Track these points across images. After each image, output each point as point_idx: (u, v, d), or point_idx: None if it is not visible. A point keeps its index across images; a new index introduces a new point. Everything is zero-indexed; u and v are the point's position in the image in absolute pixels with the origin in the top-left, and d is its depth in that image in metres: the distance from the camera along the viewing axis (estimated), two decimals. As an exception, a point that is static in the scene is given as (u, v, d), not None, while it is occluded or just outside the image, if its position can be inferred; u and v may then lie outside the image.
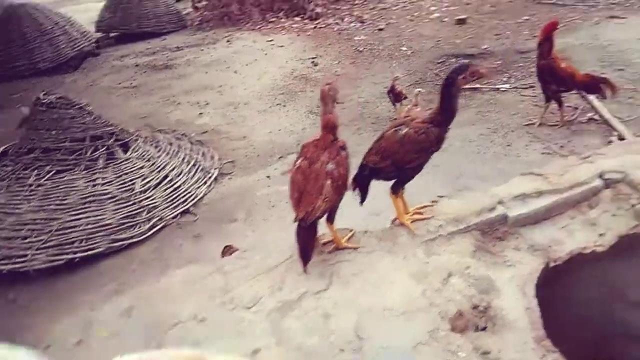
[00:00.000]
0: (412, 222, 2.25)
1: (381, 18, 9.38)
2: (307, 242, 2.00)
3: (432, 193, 4.12)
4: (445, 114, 2.13)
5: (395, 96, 5.40)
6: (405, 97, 5.41)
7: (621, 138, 4.18)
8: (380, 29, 8.75)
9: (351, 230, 2.33)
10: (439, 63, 6.78)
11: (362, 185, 2.27)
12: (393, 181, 2.30)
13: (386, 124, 5.47)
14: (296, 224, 2.04)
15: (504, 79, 5.93)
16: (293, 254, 2.09)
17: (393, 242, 2.12)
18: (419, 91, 5.33)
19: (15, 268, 3.62)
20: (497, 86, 5.74)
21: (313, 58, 7.78)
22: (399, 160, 2.15)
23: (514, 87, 5.63)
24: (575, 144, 4.33)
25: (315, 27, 9.36)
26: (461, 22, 8.17)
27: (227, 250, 2.97)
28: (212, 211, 4.37)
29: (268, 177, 4.73)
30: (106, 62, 8.87)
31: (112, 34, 10.10)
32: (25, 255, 3.66)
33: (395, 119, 5.49)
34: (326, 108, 2.20)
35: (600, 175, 2.24)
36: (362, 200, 2.30)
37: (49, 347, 3.11)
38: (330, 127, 2.17)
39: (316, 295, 1.85)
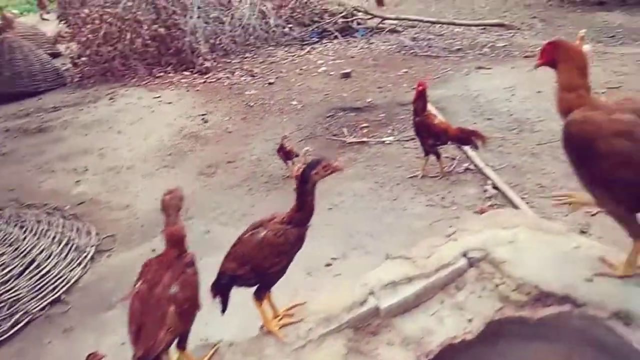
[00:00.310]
0: (281, 327, 2.11)
1: (271, 72, 9.51)
2: None
3: (325, 255, 4.10)
4: (303, 212, 2.05)
5: (286, 155, 5.38)
6: (297, 155, 5.40)
7: (495, 187, 4.47)
8: (271, 83, 8.84)
9: (215, 345, 2.14)
10: (327, 117, 6.93)
11: (222, 294, 2.11)
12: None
13: (279, 183, 5.43)
14: None
15: (389, 132, 6.18)
16: None
17: (259, 357, 1.96)
18: (307, 150, 5.38)
19: None
20: (383, 139, 5.95)
21: (203, 114, 7.61)
22: (258, 265, 2.04)
23: (397, 140, 5.87)
24: (455, 194, 4.55)
25: (205, 82, 9.24)
26: (346, 75, 8.50)
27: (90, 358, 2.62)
28: (88, 297, 3.94)
29: (153, 250, 4.37)
30: (-30, 127, 8.00)
31: (-23, 96, 9.18)
32: None
33: (288, 176, 5.46)
34: (169, 219, 2.04)
35: (465, 254, 2.29)
36: (224, 309, 2.14)
37: None
38: (174, 241, 2.02)
39: None
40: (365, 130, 6.31)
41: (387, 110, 6.85)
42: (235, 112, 7.68)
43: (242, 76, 9.42)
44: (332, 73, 8.87)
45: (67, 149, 6.87)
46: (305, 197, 2.03)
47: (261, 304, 2.11)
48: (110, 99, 8.64)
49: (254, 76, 9.34)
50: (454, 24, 10.97)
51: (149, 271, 1.95)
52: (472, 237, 2.38)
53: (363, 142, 5.96)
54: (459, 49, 9.22)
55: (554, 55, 2.06)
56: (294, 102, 7.73)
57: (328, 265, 3.92)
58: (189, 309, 1.96)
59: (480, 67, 8.00)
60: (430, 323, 2.04)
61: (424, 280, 2.16)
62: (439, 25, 11.13)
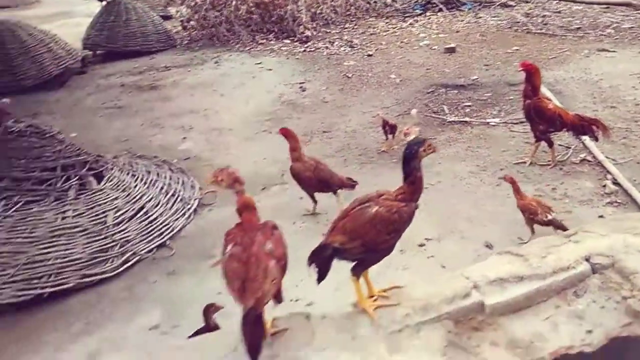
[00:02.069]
0: (375, 308, 2.08)
1: (371, 43, 9.35)
2: (257, 334, 1.84)
3: (419, 235, 4.01)
4: (414, 188, 2.03)
5: (391, 128, 5.30)
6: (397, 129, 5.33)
7: (616, 183, 4.08)
8: (370, 55, 8.70)
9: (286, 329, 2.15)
10: (427, 93, 6.71)
11: (322, 265, 2.11)
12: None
13: (373, 157, 5.37)
14: (241, 316, 1.88)
15: (494, 113, 5.86)
16: (237, 345, 1.90)
17: (352, 335, 1.93)
18: (416, 112, 5.30)
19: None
20: (487, 120, 5.66)
21: (301, 83, 7.69)
22: (369, 241, 2.02)
23: (504, 122, 5.56)
24: (568, 186, 4.22)
25: (304, 51, 9.30)
26: (450, 50, 8.15)
27: (211, 309, 2.81)
28: (190, 246, 4.18)
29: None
30: (91, 81, 8.70)
31: (98, 52, 9.94)
32: (-12, 292, 3.45)
33: (383, 151, 5.39)
34: (234, 191, 2.19)
35: (587, 259, 2.09)
36: (320, 280, 2.14)
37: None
38: (250, 207, 2.13)
39: None
40: (467, 110, 6.04)
41: (493, 89, 6.49)
42: (333, 82, 7.67)
43: (341, 46, 9.36)
44: (434, 47, 8.54)
45: (175, 108, 7.27)
46: (415, 172, 2.02)
47: (358, 280, 2.10)
48: (216, 62, 8.98)
49: (353, 47, 9.24)
50: (573, 0, 10.06)
51: (234, 237, 2.05)
52: (596, 240, 2.18)
53: (465, 122, 5.70)
54: (578, 28, 8.47)
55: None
56: (393, 76, 7.56)
57: (421, 245, 3.84)
58: (285, 264, 2.04)
59: (602, 50, 7.30)
60: (542, 328, 1.91)
61: (537, 282, 2.02)
62: (556, 1, 10.27)
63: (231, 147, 5.91)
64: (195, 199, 4.75)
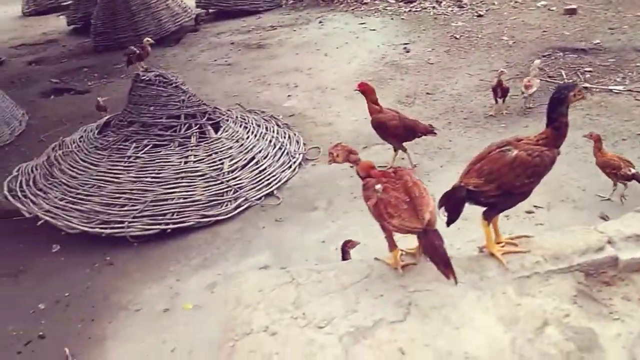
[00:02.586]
0: (503, 254, 2.06)
1: (482, 3, 8.88)
2: (442, 246, 1.84)
3: (527, 201, 3.89)
4: (558, 133, 1.96)
5: (503, 91, 5.10)
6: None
7: None
8: (480, 15, 8.30)
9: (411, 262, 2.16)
10: (543, 56, 6.30)
11: (453, 208, 2.11)
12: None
13: (480, 120, 5.22)
14: (417, 236, 1.92)
15: (618, 80, 5.40)
16: (369, 273, 2.01)
17: (480, 276, 1.96)
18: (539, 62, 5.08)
19: (113, 233, 3.89)
20: (610, 87, 5.24)
21: (405, 44, 7.56)
22: (506, 184, 1.99)
23: (628, 90, 5.11)
24: None
25: (410, 11, 9.07)
26: (571, 12, 7.52)
27: (348, 245, 3.00)
28: (295, 196, 4.41)
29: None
30: (204, 38, 9.19)
31: (210, 10, 10.42)
32: (123, 222, 3.92)
33: (491, 115, 5.22)
34: (351, 162, 2.30)
35: None
36: (451, 222, 2.14)
37: (139, 310, 3.34)
38: (374, 167, 2.23)
39: (391, 326, 1.74)
40: (587, 75, 5.61)
41: (618, 55, 5.95)
42: (439, 43, 7.45)
43: (449, 7, 9.00)
44: (553, 8, 7.93)
45: (281, 66, 7.50)
46: (561, 118, 1.96)
47: (488, 225, 2.10)
48: (320, 22, 9.06)
49: (462, 7, 8.85)
50: None
51: (377, 180, 2.07)
52: None
53: (584, 88, 5.32)
54: None
55: None
56: (505, 38, 7.17)
57: (529, 212, 3.73)
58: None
59: None
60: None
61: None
62: None
63: (333, 106, 6.02)
64: (300, 154, 4.96)
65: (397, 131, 4.40)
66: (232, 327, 1.76)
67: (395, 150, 4.56)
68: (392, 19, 8.78)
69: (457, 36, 7.55)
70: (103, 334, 3.15)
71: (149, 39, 6.77)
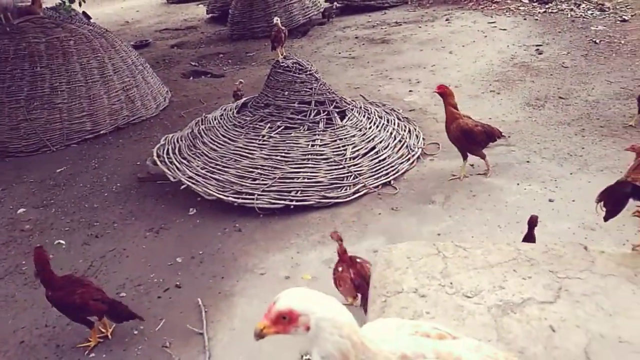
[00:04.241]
0: None
1: (627, 8, 8.19)
2: None
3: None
4: None
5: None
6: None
7: None
8: (624, 20, 7.67)
9: None
10: (700, 67, 5.70)
11: (615, 203, 2.06)
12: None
13: (617, 130, 4.89)
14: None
15: None
16: (517, 257, 2.04)
17: (635, 272, 1.91)
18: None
19: (243, 203, 4.25)
20: None
21: (538, 45, 7.23)
22: None
23: None
24: None
25: (545, 12, 8.63)
26: None
27: (534, 219, 3.09)
28: (411, 189, 4.48)
29: (472, 165, 4.64)
30: (330, 32, 9.51)
31: (337, 5, 10.74)
32: (253, 195, 4.27)
33: (631, 125, 4.86)
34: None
35: None
36: (609, 218, 2.09)
37: (264, 274, 3.64)
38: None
39: (540, 305, 1.78)
40: None
41: None
42: (576, 47, 7.03)
43: (589, 9, 8.42)
44: None
45: (404, 61, 7.56)
46: None
47: None
48: (447, 20, 8.95)
49: (603, 10, 8.24)
50: None
51: None
52: None
53: None
54: None
55: None
56: (654, 45, 6.58)
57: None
58: None
59: None
60: None
61: None
62: None
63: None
64: (419, 148, 5.01)
65: (481, 137, 4.34)
66: (384, 284, 1.90)
67: (465, 159, 4.49)
68: (524, 19, 8.42)
69: (597, 41, 7.06)
70: (231, 290, 3.49)
71: (278, 19, 7.02)
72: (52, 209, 4.61)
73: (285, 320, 1.13)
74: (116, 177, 5.10)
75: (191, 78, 8.19)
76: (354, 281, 2.92)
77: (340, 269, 3.00)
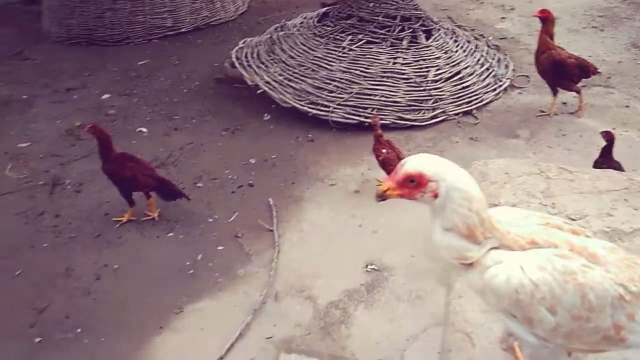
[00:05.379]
0: None
1: None
2: None
3: None
4: None
5: None
6: None
7: None
8: None
9: None
10: None
11: None
12: None
13: None
14: None
15: None
16: (629, 186, 1.91)
17: None
18: None
19: (318, 114, 4.21)
20: None
21: (655, -19, 6.42)
22: None
23: None
24: None
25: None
26: None
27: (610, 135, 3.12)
28: (494, 120, 4.28)
29: (564, 103, 4.34)
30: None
31: None
32: (328, 107, 4.21)
33: None
34: None
35: None
36: None
37: (334, 185, 3.67)
38: None
39: None
40: None
41: None
42: (701, -14, 6.19)
43: None
44: None
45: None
46: None
47: None
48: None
49: None
50: None
51: None
52: None
53: None
54: None
55: None
56: None
57: None
58: None
59: None
60: None
61: None
62: None
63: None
64: (508, 79, 4.72)
65: (573, 71, 3.99)
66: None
67: (555, 95, 4.16)
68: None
69: None
70: (301, 195, 3.56)
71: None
72: (134, 99, 4.77)
73: (412, 184, 1.08)
74: (195, 75, 5.16)
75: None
76: (400, 157, 3.18)
77: (384, 150, 3.31)
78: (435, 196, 1.07)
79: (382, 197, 1.11)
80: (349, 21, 4.79)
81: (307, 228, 3.26)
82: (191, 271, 2.97)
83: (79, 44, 5.78)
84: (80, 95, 4.83)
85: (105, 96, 4.80)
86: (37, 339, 2.58)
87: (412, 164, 1.08)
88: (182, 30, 6.03)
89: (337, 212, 3.38)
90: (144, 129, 4.32)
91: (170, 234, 3.24)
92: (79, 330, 2.61)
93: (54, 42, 5.89)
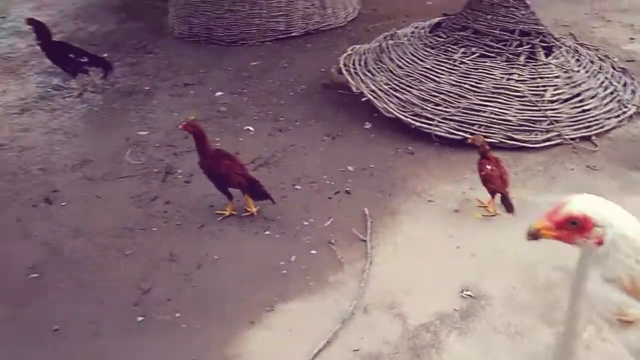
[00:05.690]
0: None
1: None
2: None
3: None
4: None
5: None
6: None
7: None
8: None
9: None
10: None
11: None
12: None
13: None
14: None
15: None
16: None
17: None
18: None
19: (421, 127, 4.12)
20: None
21: None
22: None
23: None
24: None
25: None
26: None
27: None
28: (616, 149, 3.93)
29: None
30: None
31: None
32: (432, 120, 4.11)
33: None
34: None
35: None
36: None
37: (432, 201, 3.57)
38: None
39: None
40: None
41: None
42: None
43: None
44: None
45: (628, 2, 6.42)
46: None
47: None
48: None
49: None
50: None
51: None
52: None
53: None
54: None
55: None
56: None
57: None
58: None
59: None
60: None
61: None
62: None
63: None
64: (634, 105, 4.32)
65: None
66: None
67: None
68: None
69: None
70: (397, 208, 3.49)
71: None
72: (244, 98, 4.98)
73: (573, 227, 1.00)
74: (302, 79, 5.29)
75: (382, -8, 7.94)
76: (503, 176, 3.24)
77: (489, 166, 3.27)
78: (600, 243, 0.98)
79: (534, 236, 1.03)
80: (463, 33, 4.64)
81: (401, 242, 3.19)
82: (284, 271, 3.03)
83: (199, 42, 6.16)
84: (196, 91, 5.15)
85: (219, 93, 5.06)
86: (140, 318, 2.76)
87: (576, 205, 0.99)
88: (293, 34, 6.20)
89: (434, 229, 3.28)
90: (251, 128, 4.49)
91: (267, 232, 3.33)
92: (177, 314, 2.76)
93: (176, 38, 6.33)
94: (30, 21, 5.06)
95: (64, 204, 3.65)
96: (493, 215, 3.35)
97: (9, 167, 4.06)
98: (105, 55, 5.60)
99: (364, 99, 4.45)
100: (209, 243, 3.26)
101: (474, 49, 4.47)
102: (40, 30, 4.97)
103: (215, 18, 6.14)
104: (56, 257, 3.17)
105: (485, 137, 3.94)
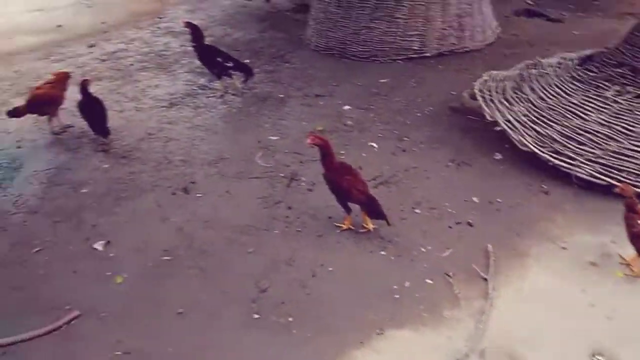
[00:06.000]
0: None
1: None
2: None
3: None
4: None
5: None
6: None
7: None
8: None
9: None
10: None
11: None
12: None
13: None
14: None
15: None
16: None
17: None
18: None
19: (560, 165, 3.83)
20: None
21: None
22: None
23: None
24: None
25: None
26: None
27: None
28: None
29: None
30: None
31: None
32: (574, 160, 3.80)
33: None
34: None
35: None
36: None
37: (565, 249, 3.28)
38: None
39: None
40: None
41: None
42: None
43: None
44: None
45: None
46: None
47: None
48: None
49: None
50: None
51: None
52: None
53: None
54: None
55: None
56: None
57: None
58: None
59: None
60: None
61: None
62: None
63: None
64: None
65: None
66: None
67: None
68: None
69: None
70: (526, 251, 3.27)
71: None
72: (370, 114, 5.02)
73: None
74: (430, 100, 5.21)
75: (523, 17, 7.58)
76: None
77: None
78: None
79: None
80: (618, 69, 4.25)
81: (527, 289, 2.97)
82: (397, 295, 2.97)
83: (333, 56, 6.35)
84: (325, 102, 5.29)
85: (346, 107, 5.16)
86: (256, 315, 2.87)
87: None
88: (426, 54, 6.14)
89: (566, 282, 3.01)
90: (375, 145, 4.50)
91: (383, 252, 3.30)
92: (290, 319, 2.83)
93: (313, 50, 6.58)
94: (188, 24, 5.56)
95: (199, 195, 3.94)
96: (637, 277, 3.01)
97: (155, 155, 4.49)
98: (247, 61, 5.97)
99: (497, 128, 4.25)
100: (326, 253, 3.30)
101: (629, 88, 4.07)
102: (195, 33, 5.45)
103: (352, 34, 6.28)
104: (187, 244, 3.43)
105: (634, 183, 3.59)
